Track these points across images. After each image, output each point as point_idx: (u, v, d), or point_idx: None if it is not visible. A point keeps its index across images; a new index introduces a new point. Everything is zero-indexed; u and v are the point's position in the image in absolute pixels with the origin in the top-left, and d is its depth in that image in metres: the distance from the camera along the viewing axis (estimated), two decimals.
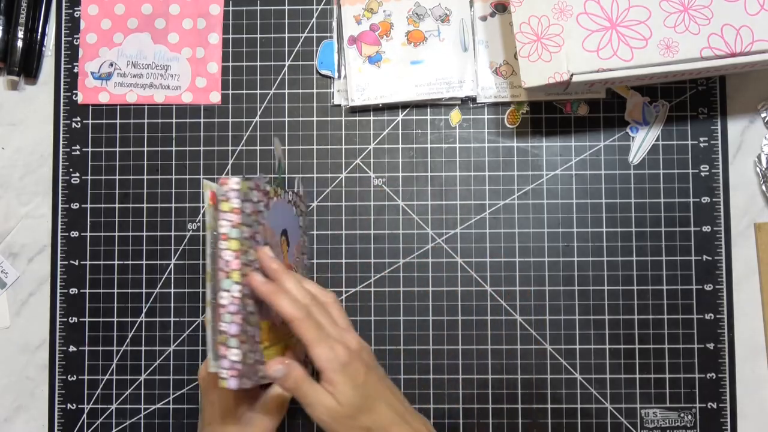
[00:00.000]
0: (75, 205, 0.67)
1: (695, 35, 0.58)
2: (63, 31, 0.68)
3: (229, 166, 0.67)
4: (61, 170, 0.67)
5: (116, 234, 0.67)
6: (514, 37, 0.60)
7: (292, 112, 0.67)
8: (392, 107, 0.67)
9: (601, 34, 0.58)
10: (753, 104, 0.67)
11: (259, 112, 0.67)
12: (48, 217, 0.68)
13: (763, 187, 0.66)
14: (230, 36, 0.68)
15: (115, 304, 0.67)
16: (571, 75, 0.58)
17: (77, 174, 0.67)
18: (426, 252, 0.66)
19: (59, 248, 0.67)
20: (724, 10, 0.58)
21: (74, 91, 0.68)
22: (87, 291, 0.67)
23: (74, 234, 0.67)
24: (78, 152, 0.68)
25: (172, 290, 0.66)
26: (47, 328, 0.67)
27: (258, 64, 0.68)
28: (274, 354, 0.56)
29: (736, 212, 0.66)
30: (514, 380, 0.65)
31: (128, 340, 0.66)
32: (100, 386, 0.66)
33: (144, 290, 0.67)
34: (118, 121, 0.68)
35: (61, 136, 0.68)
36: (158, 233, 0.67)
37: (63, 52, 0.68)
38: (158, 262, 0.67)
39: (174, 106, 0.68)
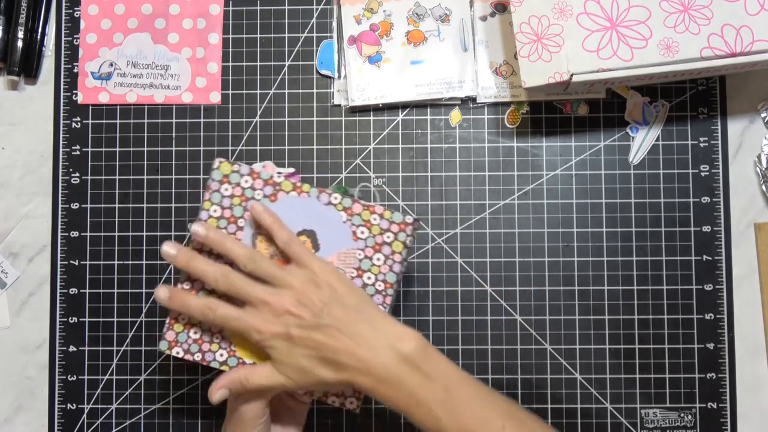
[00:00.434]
0: (75, 205, 0.67)
1: (695, 35, 0.58)
2: (63, 31, 0.68)
3: None
4: (61, 170, 0.67)
5: (116, 234, 0.67)
6: (514, 37, 0.60)
7: (292, 112, 0.67)
8: (392, 107, 0.67)
9: (601, 34, 0.58)
10: (753, 104, 0.67)
11: (259, 112, 0.67)
12: (48, 217, 0.68)
13: (763, 187, 0.66)
14: (230, 36, 0.68)
15: (115, 304, 0.67)
16: (571, 75, 0.58)
17: (77, 174, 0.67)
18: (426, 252, 0.66)
19: (59, 248, 0.67)
20: (724, 10, 0.58)
21: (74, 91, 0.68)
22: (87, 291, 0.67)
23: (74, 234, 0.67)
24: (78, 152, 0.68)
25: None
26: (47, 328, 0.67)
27: (258, 64, 0.68)
28: (256, 350, 0.56)
29: (736, 212, 0.66)
30: (514, 380, 0.65)
31: (128, 340, 0.66)
32: (100, 386, 0.66)
33: (144, 290, 0.67)
34: (118, 121, 0.68)
35: (61, 136, 0.68)
36: (158, 233, 0.67)
37: (63, 52, 0.68)
38: (158, 262, 0.67)
39: (174, 106, 0.68)
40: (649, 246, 0.66)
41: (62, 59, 0.68)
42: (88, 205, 0.67)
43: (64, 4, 0.68)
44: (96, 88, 0.68)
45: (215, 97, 0.68)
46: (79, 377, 0.66)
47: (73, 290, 0.67)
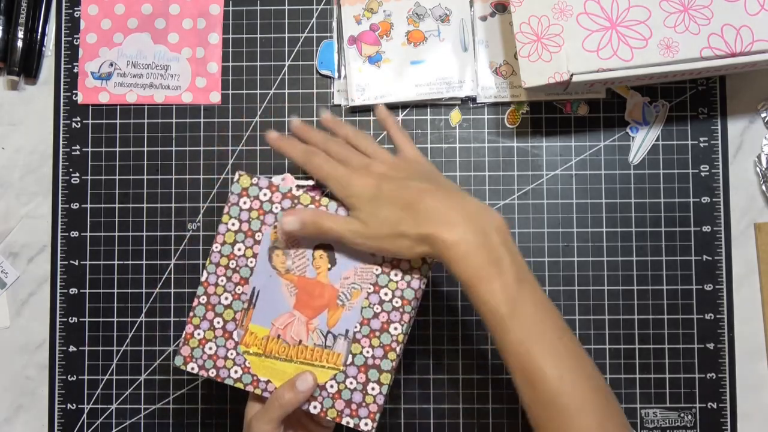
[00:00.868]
0: (75, 205, 0.67)
1: (695, 35, 0.58)
2: (63, 31, 0.68)
3: (229, 166, 0.67)
4: (61, 170, 0.68)
5: (116, 234, 0.67)
6: (514, 37, 0.60)
7: (292, 112, 0.67)
8: (392, 107, 0.67)
9: (601, 34, 0.58)
10: (753, 104, 0.67)
11: (259, 112, 0.67)
12: (48, 217, 0.68)
13: (763, 187, 0.66)
14: (230, 36, 0.68)
15: (115, 304, 0.67)
16: (571, 75, 0.58)
17: (77, 174, 0.67)
18: None
19: (59, 248, 0.67)
20: (724, 10, 0.58)
21: (74, 91, 0.68)
22: (87, 291, 0.67)
23: (74, 234, 0.67)
24: (78, 152, 0.68)
25: (172, 290, 0.66)
26: (47, 328, 0.67)
27: (258, 64, 0.68)
28: (271, 367, 0.55)
29: (736, 212, 0.66)
30: None
31: (128, 340, 0.66)
32: (100, 386, 0.66)
33: (144, 290, 0.67)
34: (118, 121, 0.68)
35: (61, 136, 0.68)
36: (158, 233, 0.67)
37: (63, 52, 0.68)
38: (158, 262, 0.67)
39: (174, 106, 0.68)
40: (649, 246, 0.66)
41: (62, 59, 0.68)
42: (88, 205, 0.67)
43: (64, 4, 0.68)
44: (96, 88, 0.68)
45: (215, 97, 0.68)
46: (79, 377, 0.66)
47: (73, 290, 0.67)
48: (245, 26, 0.68)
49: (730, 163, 0.66)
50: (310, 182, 0.59)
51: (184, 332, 0.56)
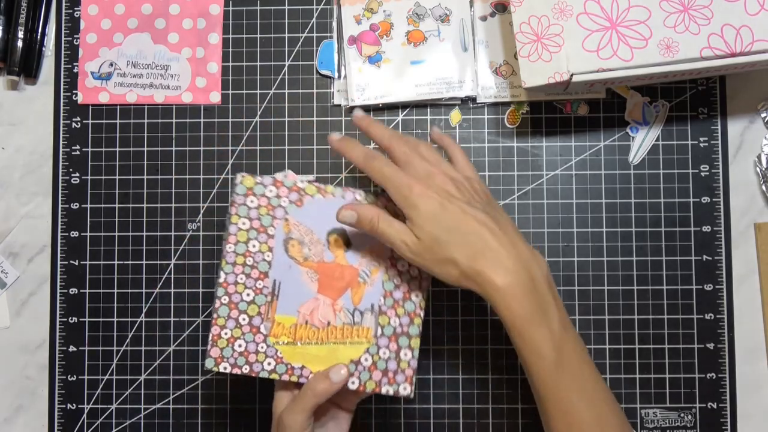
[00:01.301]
0: (75, 205, 0.67)
1: (695, 35, 0.58)
2: (63, 31, 0.68)
3: (229, 166, 0.67)
4: (61, 170, 0.68)
5: (116, 234, 0.67)
6: (514, 37, 0.60)
7: (292, 112, 0.67)
8: (392, 107, 0.67)
9: (601, 34, 0.58)
10: (753, 104, 0.67)
11: (259, 112, 0.67)
12: (48, 217, 0.68)
13: (763, 187, 0.66)
14: (230, 36, 0.68)
15: (115, 304, 0.67)
16: (571, 75, 0.58)
17: (77, 174, 0.67)
18: None
19: (59, 248, 0.67)
20: (724, 10, 0.58)
21: (74, 91, 0.68)
22: (87, 291, 0.67)
23: (74, 234, 0.67)
24: (78, 152, 0.68)
25: (172, 290, 0.66)
26: (47, 328, 0.67)
27: (258, 64, 0.68)
28: (303, 353, 0.56)
29: (736, 212, 0.66)
30: (515, 380, 0.65)
31: (128, 340, 0.66)
32: (100, 386, 0.66)
33: (144, 290, 0.67)
34: (118, 121, 0.68)
35: (61, 136, 0.68)
36: (158, 233, 0.67)
37: (63, 52, 0.68)
38: (158, 262, 0.67)
39: (174, 106, 0.68)
40: (649, 246, 0.66)
41: (62, 59, 0.68)
42: (88, 205, 0.67)
43: (64, 4, 0.68)
44: (96, 88, 0.68)
45: (215, 97, 0.68)
46: (79, 377, 0.66)
47: (73, 290, 0.67)
48: (245, 26, 0.68)
49: (730, 163, 0.66)
50: (311, 176, 0.60)
51: (210, 335, 0.55)
